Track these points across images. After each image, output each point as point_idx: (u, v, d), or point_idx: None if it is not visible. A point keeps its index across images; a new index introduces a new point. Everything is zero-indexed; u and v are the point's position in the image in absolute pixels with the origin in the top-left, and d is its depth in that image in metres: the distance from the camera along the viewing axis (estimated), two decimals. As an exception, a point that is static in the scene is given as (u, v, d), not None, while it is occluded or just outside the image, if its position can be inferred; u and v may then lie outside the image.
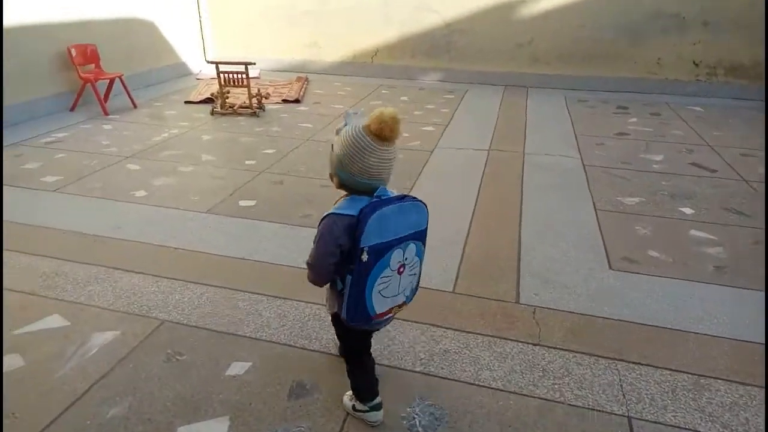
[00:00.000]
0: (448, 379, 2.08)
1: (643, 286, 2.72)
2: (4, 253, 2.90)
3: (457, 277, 2.76)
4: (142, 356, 2.15)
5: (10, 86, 5.16)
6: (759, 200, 3.79)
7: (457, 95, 7.07)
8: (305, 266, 1.62)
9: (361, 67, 8.21)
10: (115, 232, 3.17)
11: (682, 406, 1.96)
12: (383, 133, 1.45)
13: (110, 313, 2.42)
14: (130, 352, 2.18)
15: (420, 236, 1.58)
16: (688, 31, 6.95)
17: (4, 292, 2.55)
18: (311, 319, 2.41)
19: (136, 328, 2.32)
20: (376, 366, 1.89)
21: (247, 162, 4.41)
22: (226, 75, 5.72)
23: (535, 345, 2.27)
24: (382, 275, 1.52)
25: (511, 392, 2.01)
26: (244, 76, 5.68)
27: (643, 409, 1.94)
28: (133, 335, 2.28)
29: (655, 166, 4.48)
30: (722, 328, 2.39)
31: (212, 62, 5.77)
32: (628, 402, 1.97)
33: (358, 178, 1.50)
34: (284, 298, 2.55)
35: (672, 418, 1.91)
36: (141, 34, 7.05)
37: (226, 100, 5.92)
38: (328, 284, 1.65)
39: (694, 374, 2.11)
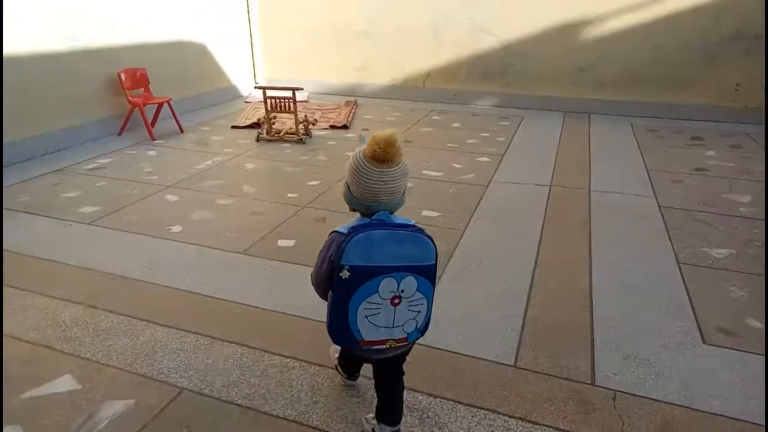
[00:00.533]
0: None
1: (745, 369, 2.25)
2: (25, 295, 2.72)
3: (518, 347, 2.37)
4: (154, 436, 1.88)
5: (59, 111, 5.15)
6: None
7: (513, 122, 6.66)
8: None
9: (412, 91, 7.93)
10: (145, 274, 2.95)
11: None
12: (377, 155, 1.50)
13: (127, 376, 2.17)
14: (142, 428, 1.91)
15: (421, 271, 1.54)
16: (772, 54, 6.32)
17: (16, 342, 2.35)
18: (348, 395, 2.08)
19: (152, 397, 2.06)
20: None
21: (289, 195, 4.16)
22: (273, 100, 5.55)
23: (618, 447, 1.86)
24: (368, 299, 1.53)
25: None
26: (290, 101, 5.50)
27: None
28: (148, 407, 2.01)
29: (742, 209, 3.94)
30: None
31: (259, 87, 5.62)
32: None
33: (359, 200, 1.58)
34: (318, 365, 2.24)
35: None
36: (191, 58, 7.02)
37: (273, 126, 5.75)
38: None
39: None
